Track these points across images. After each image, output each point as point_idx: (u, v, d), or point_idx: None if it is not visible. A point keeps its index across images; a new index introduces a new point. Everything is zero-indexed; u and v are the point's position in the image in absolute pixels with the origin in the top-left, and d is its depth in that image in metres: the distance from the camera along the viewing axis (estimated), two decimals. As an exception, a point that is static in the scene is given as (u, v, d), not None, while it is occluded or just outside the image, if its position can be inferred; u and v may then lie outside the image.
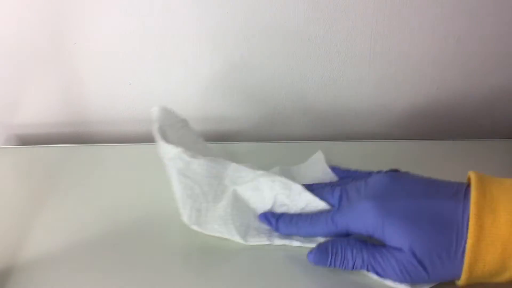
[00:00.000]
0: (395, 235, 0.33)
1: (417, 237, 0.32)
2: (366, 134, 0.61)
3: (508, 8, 0.53)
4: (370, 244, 0.36)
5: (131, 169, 0.51)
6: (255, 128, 0.60)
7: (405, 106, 0.60)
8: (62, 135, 0.60)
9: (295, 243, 0.40)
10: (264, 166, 0.51)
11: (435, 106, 0.60)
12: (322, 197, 0.40)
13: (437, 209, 0.33)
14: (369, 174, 0.41)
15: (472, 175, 0.34)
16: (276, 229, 0.41)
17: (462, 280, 0.32)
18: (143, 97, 0.58)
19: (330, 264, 0.36)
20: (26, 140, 0.60)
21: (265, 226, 0.42)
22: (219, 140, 0.58)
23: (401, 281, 0.34)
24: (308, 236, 0.40)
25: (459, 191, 0.33)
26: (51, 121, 0.59)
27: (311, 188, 0.41)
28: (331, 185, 0.42)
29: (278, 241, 0.40)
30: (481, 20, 0.54)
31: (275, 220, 0.41)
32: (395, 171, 0.39)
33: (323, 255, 0.36)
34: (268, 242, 0.40)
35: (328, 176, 0.45)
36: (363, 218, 0.35)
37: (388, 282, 0.35)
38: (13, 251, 0.40)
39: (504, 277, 0.32)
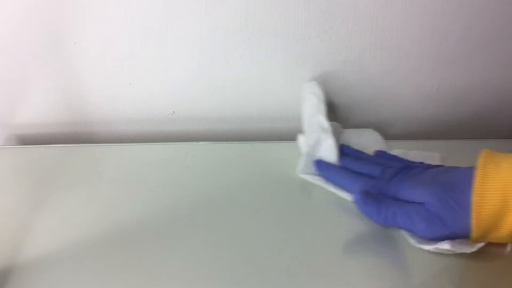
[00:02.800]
0: (417, 194, 0.41)
1: (433, 193, 0.39)
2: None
3: (508, 8, 0.53)
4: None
5: (131, 169, 0.51)
6: (255, 128, 0.60)
7: (404, 106, 0.60)
8: (62, 135, 0.60)
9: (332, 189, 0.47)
10: (264, 166, 0.51)
11: (435, 106, 0.60)
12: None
13: (448, 176, 0.40)
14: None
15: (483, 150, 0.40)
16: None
17: (473, 222, 0.37)
18: (143, 97, 0.58)
19: (378, 210, 0.42)
20: (26, 140, 0.60)
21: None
22: (219, 140, 0.58)
23: (424, 233, 0.40)
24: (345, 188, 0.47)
25: (470, 167, 0.39)
26: (51, 121, 0.59)
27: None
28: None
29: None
30: (481, 20, 0.54)
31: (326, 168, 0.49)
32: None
33: (370, 199, 0.43)
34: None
35: (379, 146, 0.54)
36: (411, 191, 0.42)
37: (418, 244, 0.40)
38: (13, 251, 0.40)
39: (508, 223, 0.36)
